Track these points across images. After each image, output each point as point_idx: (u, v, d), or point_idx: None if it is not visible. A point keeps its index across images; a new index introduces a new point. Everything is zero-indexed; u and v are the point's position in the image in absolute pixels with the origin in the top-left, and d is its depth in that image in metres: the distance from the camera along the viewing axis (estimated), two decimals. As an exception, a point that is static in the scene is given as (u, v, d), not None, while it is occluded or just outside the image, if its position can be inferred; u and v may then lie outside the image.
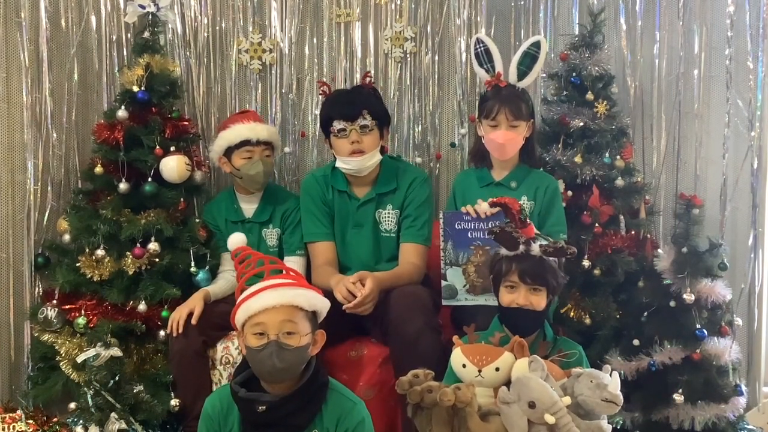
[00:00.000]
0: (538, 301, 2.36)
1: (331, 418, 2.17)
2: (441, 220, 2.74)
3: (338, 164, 2.95)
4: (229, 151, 3.09)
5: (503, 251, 2.42)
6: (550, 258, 2.36)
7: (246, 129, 3.07)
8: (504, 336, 2.35)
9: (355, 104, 2.90)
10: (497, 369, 2.25)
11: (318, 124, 3.24)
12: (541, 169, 3.00)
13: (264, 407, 2.13)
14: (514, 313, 2.38)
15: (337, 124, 2.89)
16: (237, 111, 3.41)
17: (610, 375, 2.16)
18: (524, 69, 2.86)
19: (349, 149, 2.89)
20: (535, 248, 2.35)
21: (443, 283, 2.75)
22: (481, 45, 2.92)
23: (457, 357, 2.32)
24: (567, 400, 2.09)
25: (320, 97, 3.23)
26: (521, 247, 2.37)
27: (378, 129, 2.93)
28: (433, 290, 2.86)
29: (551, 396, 2.06)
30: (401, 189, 3.00)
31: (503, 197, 2.51)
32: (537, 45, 2.85)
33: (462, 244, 2.72)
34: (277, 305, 2.14)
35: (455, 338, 2.39)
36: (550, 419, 2.03)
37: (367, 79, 3.04)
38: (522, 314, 2.36)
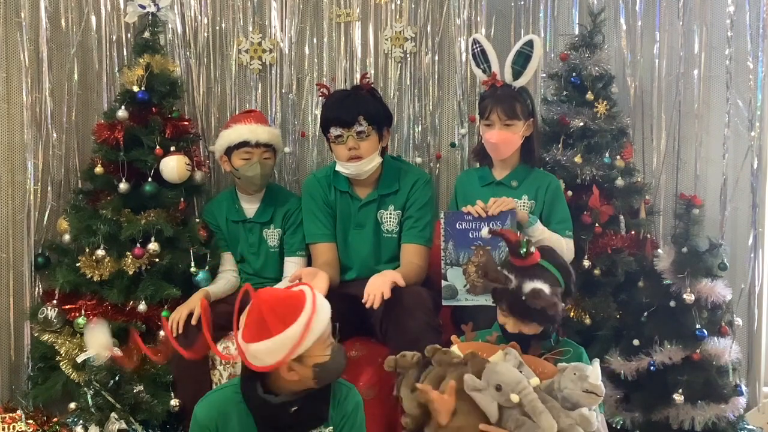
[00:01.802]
0: (529, 329, 2.30)
1: (332, 404, 2.19)
2: (442, 220, 2.74)
3: (338, 168, 2.95)
4: (229, 151, 3.09)
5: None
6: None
7: (246, 130, 3.06)
8: (501, 336, 2.35)
9: (350, 110, 2.87)
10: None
11: (318, 124, 3.23)
12: (541, 169, 3.00)
13: (296, 407, 2.13)
14: (511, 334, 2.33)
15: (334, 131, 2.88)
16: (237, 111, 3.42)
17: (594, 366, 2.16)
18: (518, 68, 2.85)
19: (347, 155, 2.89)
20: (527, 287, 2.25)
21: (443, 283, 2.75)
22: (478, 45, 2.92)
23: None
24: (535, 381, 2.09)
25: (319, 98, 3.23)
26: (513, 283, 2.29)
27: (376, 132, 2.92)
28: (433, 290, 2.86)
29: (515, 376, 2.07)
30: (403, 190, 2.99)
31: (504, 230, 2.49)
32: (530, 44, 2.85)
33: (463, 244, 2.72)
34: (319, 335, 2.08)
35: (453, 337, 2.39)
36: (514, 398, 2.04)
37: (365, 80, 3.03)
38: (514, 336, 2.31)
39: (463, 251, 2.71)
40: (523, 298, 2.24)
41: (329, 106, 2.94)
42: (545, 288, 2.25)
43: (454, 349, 2.34)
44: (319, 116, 3.07)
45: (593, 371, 2.14)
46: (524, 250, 2.31)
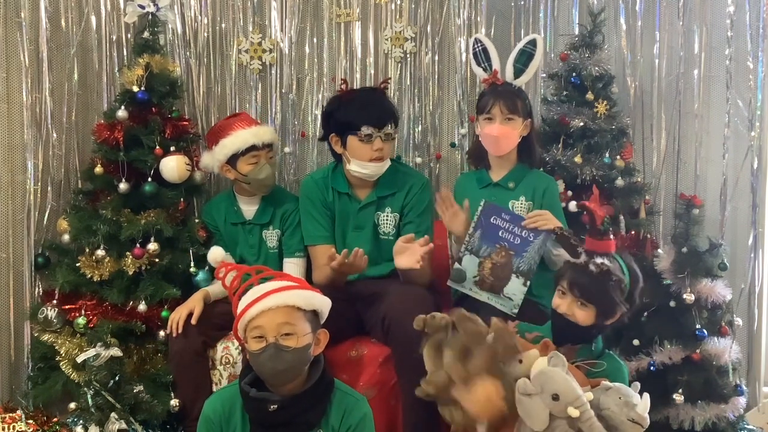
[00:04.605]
0: (583, 316, 2.30)
1: (336, 416, 2.20)
2: (480, 208, 2.73)
3: (353, 167, 2.91)
4: (233, 158, 3.06)
5: (567, 255, 2.40)
6: (613, 279, 2.28)
7: (250, 134, 3.04)
8: (540, 336, 2.31)
9: (385, 111, 2.90)
10: (520, 361, 2.24)
11: (318, 124, 3.23)
12: (541, 170, 3.00)
13: (275, 406, 2.14)
14: (557, 318, 2.35)
15: (366, 129, 2.85)
16: (238, 111, 3.40)
17: (641, 395, 2.13)
18: (520, 67, 2.86)
19: (372, 155, 2.87)
20: (597, 260, 2.29)
21: (456, 265, 2.75)
22: (479, 45, 2.93)
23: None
24: (590, 395, 2.07)
25: (322, 95, 3.23)
26: (582, 257, 2.33)
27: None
28: (434, 291, 2.86)
29: (575, 389, 2.04)
30: (400, 193, 2.99)
31: (593, 204, 2.49)
32: (533, 43, 2.86)
33: (489, 239, 2.72)
34: (273, 307, 2.15)
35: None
36: (573, 412, 2.01)
37: (384, 84, 3.02)
38: (564, 322, 2.33)
39: (486, 245, 2.72)
40: (591, 269, 2.25)
41: (360, 104, 2.90)
42: (625, 280, 2.27)
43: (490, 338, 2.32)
44: (319, 116, 3.05)
45: (643, 402, 2.11)
46: (604, 228, 2.32)
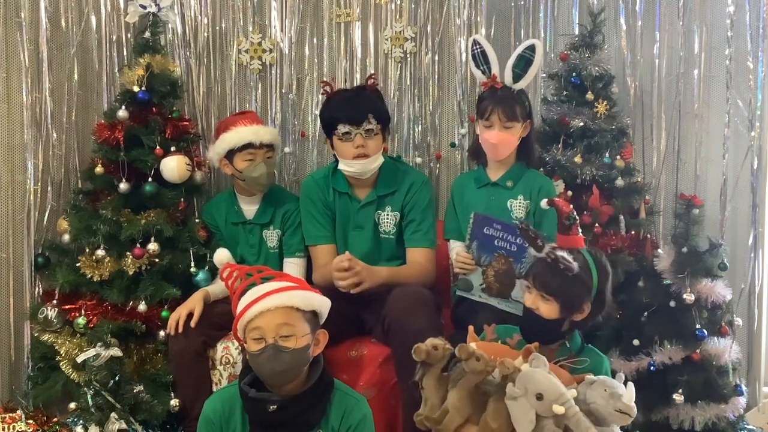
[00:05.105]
0: (547, 309, 2.31)
1: (336, 416, 2.20)
2: (471, 220, 2.73)
3: (341, 167, 2.93)
4: (230, 154, 3.07)
5: (533, 251, 2.41)
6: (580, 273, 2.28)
7: (249, 132, 3.05)
8: (522, 340, 2.31)
9: (361, 108, 2.88)
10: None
11: (318, 124, 3.23)
12: (540, 170, 3.00)
13: (275, 406, 2.14)
14: (526, 314, 2.37)
15: (342, 128, 2.87)
16: (237, 111, 3.40)
17: (625, 385, 2.14)
18: (519, 72, 2.85)
19: (354, 153, 2.88)
20: (557, 252, 2.29)
21: (461, 276, 2.75)
22: (478, 47, 2.92)
23: None
24: (573, 392, 2.08)
25: (321, 96, 3.22)
26: (545, 250, 2.34)
27: (382, 132, 2.93)
28: (434, 291, 2.86)
29: (558, 387, 2.04)
30: (401, 191, 2.99)
31: (559, 200, 2.48)
32: (532, 48, 2.84)
33: (486, 249, 2.72)
34: (272, 308, 2.15)
35: (471, 330, 2.34)
36: (558, 410, 2.01)
37: (371, 80, 3.02)
38: (531, 318, 2.33)
39: (485, 255, 2.72)
40: (548, 260, 2.26)
41: (337, 104, 2.92)
42: (575, 268, 2.26)
43: (471, 346, 2.32)
44: (320, 116, 3.06)
45: (628, 392, 2.11)
46: (570, 222, 2.31)
